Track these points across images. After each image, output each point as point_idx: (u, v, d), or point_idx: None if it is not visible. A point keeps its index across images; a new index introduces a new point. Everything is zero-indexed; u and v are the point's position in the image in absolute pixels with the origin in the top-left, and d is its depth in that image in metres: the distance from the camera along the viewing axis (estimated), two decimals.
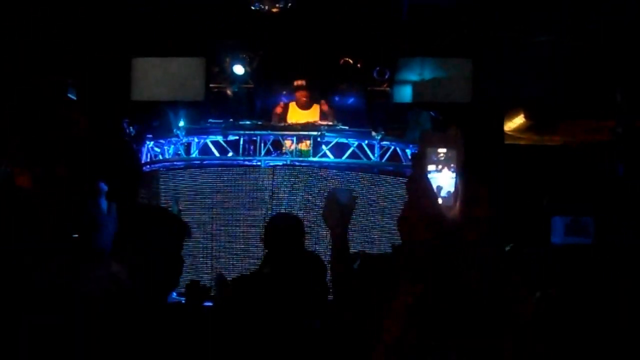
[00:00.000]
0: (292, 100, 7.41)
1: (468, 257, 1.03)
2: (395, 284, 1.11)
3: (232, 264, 5.90)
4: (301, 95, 7.21)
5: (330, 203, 2.09)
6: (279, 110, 7.40)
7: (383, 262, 2.49)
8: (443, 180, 1.03)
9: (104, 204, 5.74)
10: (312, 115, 7.19)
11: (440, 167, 1.03)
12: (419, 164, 1.03)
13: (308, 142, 6.51)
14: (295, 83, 7.24)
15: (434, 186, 1.03)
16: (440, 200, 1.02)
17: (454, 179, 1.03)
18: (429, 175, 1.03)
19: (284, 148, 6.55)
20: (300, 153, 6.54)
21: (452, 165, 1.03)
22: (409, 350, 1.07)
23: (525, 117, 9.07)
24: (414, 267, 1.05)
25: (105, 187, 5.73)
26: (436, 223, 1.01)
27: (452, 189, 1.03)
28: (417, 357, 1.06)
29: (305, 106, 7.22)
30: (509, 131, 9.20)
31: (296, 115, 7.22)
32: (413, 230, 1.03)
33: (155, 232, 2.14)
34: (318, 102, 7.30)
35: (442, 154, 1.03)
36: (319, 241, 5.62)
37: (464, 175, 1.03)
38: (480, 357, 1.15)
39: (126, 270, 2.11)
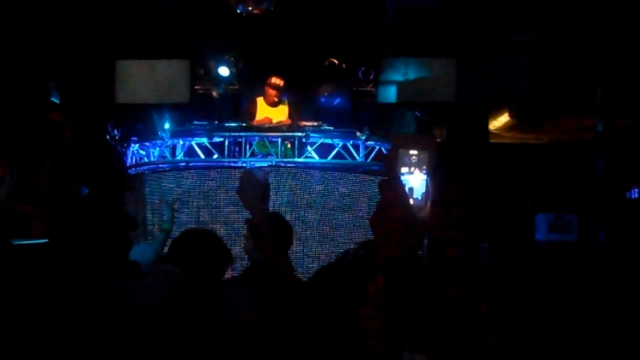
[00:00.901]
0: (260, 95, 7.28)
1: (439, 258, 1.04)
2: (365, 282, 1.13)
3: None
4: (272, 93, 7.11)
5: (248, 182, 1.94)
6: (249, 108, 7.29)
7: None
8: (415, 182, 1.04)
9: None
10: (280, 112, 7.13)
11: (412, 169, 1.04)
12: (391, 165, 1.04)
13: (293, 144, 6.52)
14: (273, 81, 7.12)
15: (407, 188, 1.04)
16: (411, 202, 1.04)
17: (426, 181, 1.04)
18: (402, 177, 1.04)
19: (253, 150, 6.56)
20: (285, 154, 6.55)
21: (424, 167, 1.04)
22: (383, 347, 1.09)
23: (510, 116, 9.15)
24: (385, 267, 1.07)
25: (85, 191, 5.72)
26: (408, 224, 1.03)
27: (424, 191, 1.04)
28: (391, 353, 1.09)
29: (274, 104, 7.15)
30: (493, 130, 9.27)
31: (264, 111, 7.13)
32: (385, 230, 1.05)
33: (205, 253, 2.33)
34: (284, 101, 7.25)
35: (414, 156, 1.04)
36: (304, 242, 5.64)
37: (436, 176, 1.04)
38: (451, 355, 1.17)
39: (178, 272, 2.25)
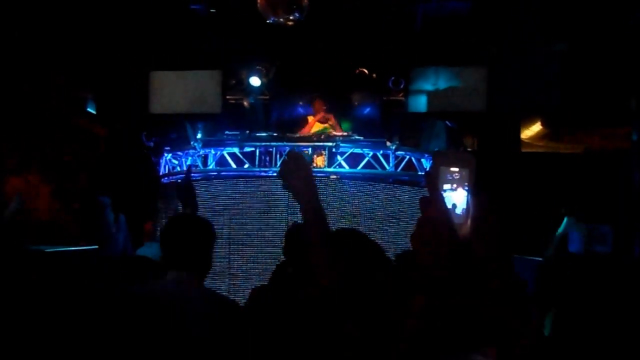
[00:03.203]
0: (311, 114, 7.76)
1: (477, 273, 1.05)
2: (405, 295, 1.14)
3: (249, 270, 5.98)
4: (321, 113, 7.54)
5: (293, 165, 1.72)
6: (301, 124, 7.75)
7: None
8: (458, 198, 1.06)
9: (110, 216, 5.82)
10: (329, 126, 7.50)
11: (455, 185, 1.06)
12: (432, 183, 1.06)
13: (323, 157, 6.60)
14: (317, 107, 7.65)
15: (449, 204, 1.06)
16: (453, 218, 1.05)
17: (467, 197, 1.06)
18: (445, 194, 1.06)
19: None
20: (316, 164, 6.59)
21: (466, 183, 1.06)
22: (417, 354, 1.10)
23: (542, 124, 9.03)
24: (426, 283, 1.08)
25: (107, 200, 5.81)
26: (448, 241, 1.04)
27: (465, 207, 1.06)
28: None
29: (324, 120, 7.55)
30: (526, 139, 9.15)
31: (315, 126, 7.53)
32: (426, 247, 1.06)
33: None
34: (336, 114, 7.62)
35: (456, 173, 1.06)
36: None
37: (476, 194, 1.06)
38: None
39: None
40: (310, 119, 7.65)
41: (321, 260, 1.74)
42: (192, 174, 7.02)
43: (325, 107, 7.63)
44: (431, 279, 1.04)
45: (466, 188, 1.04)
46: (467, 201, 1.04)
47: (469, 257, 1.03)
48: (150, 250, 3.53)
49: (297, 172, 1.76)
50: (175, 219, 2.73)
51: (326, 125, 7.53)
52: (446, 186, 1.04)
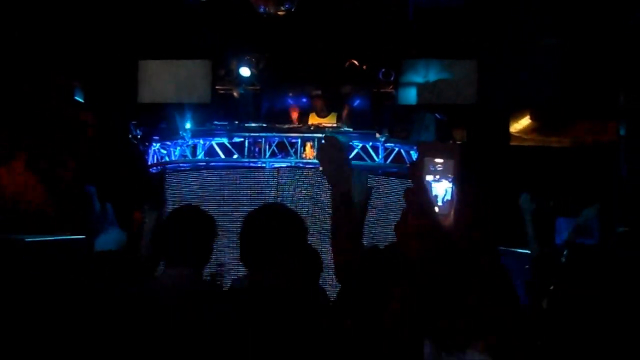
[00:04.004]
0: (309, 107, 7.87)
1: (461, 265, 1.05)
2: (390, 286, 1.14)
3: (236, 261, 5.98)
4: (320, 108, 7.55)
5: (330, 150, 1.77)
6: (294, 115, 7.68)
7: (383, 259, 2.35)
8: (441, 189, 1.05)
9: (96, 205, 5.78)
10: (330, 119, 7.52)
11: (438, 176, 1.05)
12: (416, 174, 1.05)
13: (311, 144, 6.59)
14: (316, 103, 7.75)
15: (432, 195, 1.05)
16: (437, 209, 1.04)
17: (451, 189, 1.05)
18: (428, 185, 1.05)
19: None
20: (305, 155, 6.59)
21: (449, 175, 1.05)
22: (403, 349, 1.10)
23: (531, 118, 9.06)
24: (408, 274, 1.08)
25: (93, 190, 5.77)
26: (432, 232, 1.03)
27: (448, 198, 1.05)
28: (412, 355, 1.10)
29: (323, 116, 7.56)
30: (514, 132, 9.19)
31: (315, 121, 7.61)
32: (410, 238, 1.05)
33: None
34: (335, 110, 7.68)
35: (439, 164, 1.05)
36: (325, 237, 5.64)
37: (460, 184, 1.05)
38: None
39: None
40: (311, 115, 7.73)
41: (345, 246, 1.75)
42: (182, 165, 7.02)
43: (325, 106, 7.71)
44: (414, 267, 1.04)
45: (450, 179, 1.03)
46: (452, 192, 1.03)
47: (454, 248, 1.02)
48: (108, 237, 3.47)
49: (329, 156, 1.80)
50: (176, 213, 2.64)
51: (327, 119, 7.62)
52: (429, 177, 1.03)
